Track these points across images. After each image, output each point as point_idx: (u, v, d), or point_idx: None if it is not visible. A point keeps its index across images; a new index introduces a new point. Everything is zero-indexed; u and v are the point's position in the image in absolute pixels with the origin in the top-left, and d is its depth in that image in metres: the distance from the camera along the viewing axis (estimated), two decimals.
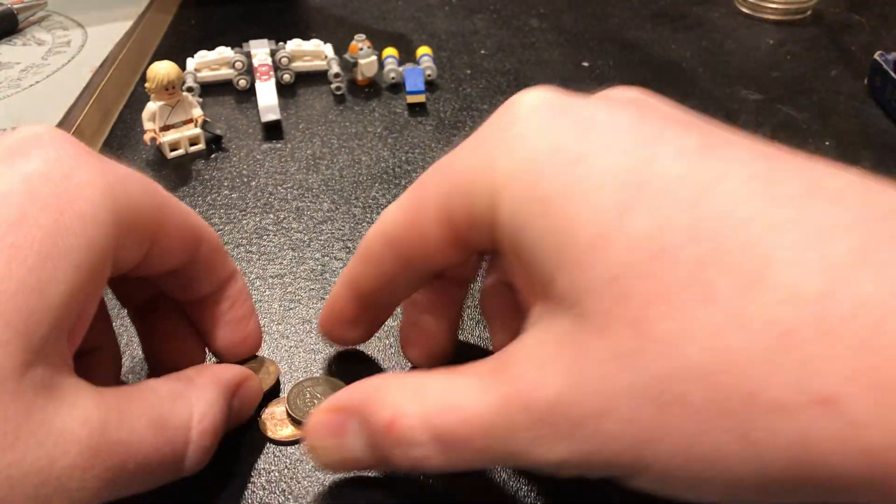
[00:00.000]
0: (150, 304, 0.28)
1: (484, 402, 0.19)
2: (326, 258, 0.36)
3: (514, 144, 0.20)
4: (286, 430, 0.28)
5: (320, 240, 0.37)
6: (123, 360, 0.29)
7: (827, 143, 0.45)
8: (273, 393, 0.29)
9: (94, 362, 0.25)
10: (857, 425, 0.15)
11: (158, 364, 0.27)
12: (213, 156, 0.44)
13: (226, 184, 0.41)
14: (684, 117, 0.21)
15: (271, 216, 0.39)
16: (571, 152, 0.19)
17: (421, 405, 0.20)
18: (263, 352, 0.31)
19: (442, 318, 0.27)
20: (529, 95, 0.21)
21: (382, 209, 0.39)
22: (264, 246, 0.37)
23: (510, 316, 0.25)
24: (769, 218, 0.16)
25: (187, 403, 0.23)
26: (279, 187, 0.41)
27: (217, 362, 0.28)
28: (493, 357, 0.20)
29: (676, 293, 0.16)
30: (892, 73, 0.46)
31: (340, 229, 0.38)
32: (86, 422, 0.19)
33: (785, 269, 0.16)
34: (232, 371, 0.26)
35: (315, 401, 0.28)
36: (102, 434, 0.19)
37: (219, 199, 0.40)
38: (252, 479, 0.26)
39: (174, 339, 0.28)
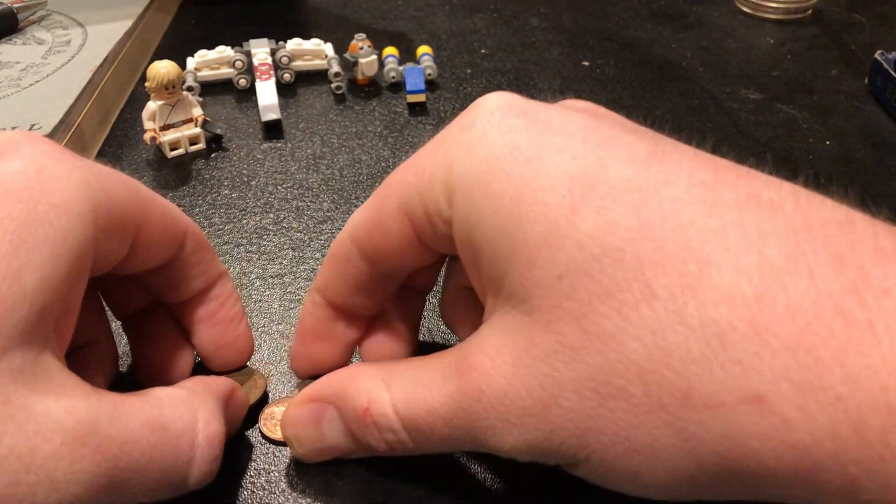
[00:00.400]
0: (141, 314, 0.28)
1: (443, 393, 0.20)
2: None
3: (472, 145, 0.20)
4: None
5: (320, 239, 0.37)
6: (124, 368, 0.29)
7: (827, 142, 0.45)
8: (261, 404, 0.28)
9: (88, 357, 0.25)
10: (786, 422, 0.15)
11: (149, 376, 0.27)
12: (213, 155, 0.44)
13: (226, 183, 0.41)
14: (634, 126, 0.22)
15: (271, 216, 0.39)
16: (525, 153, 0.19)
17: (392, 392, 0.22)
18: (263, 353, 0.31)
19: (401, 328, 0.27)
20: (490, 99, 0.21)
21: None
22: (264, 246, 0.37)
23: (473, 318, 0.25)
24: (709, 223, 0.17)
25: (191, 409, 0.22)
26: (279, 187, 0.41)
27: (207, 374, 0.28)
28: (454, 349, 0.21)
29: (619, 291, 0.17)
30: (893, 73, 0.46)
31: (340, 229, 0.38)
32: (72, 411, 0.18)
33: (722, 272, 0.16)
34: (222, 382, 0.26)
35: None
36: (91, 425, 0.19)
37: (219, 198, 0.40)
38: (252, 479, 0.26)
39: (165, 351, 0.27)
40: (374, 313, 0.27)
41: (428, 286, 0.28)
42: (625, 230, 0.17)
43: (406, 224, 0.22)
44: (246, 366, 0.29)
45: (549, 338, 0.18)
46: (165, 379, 0.27)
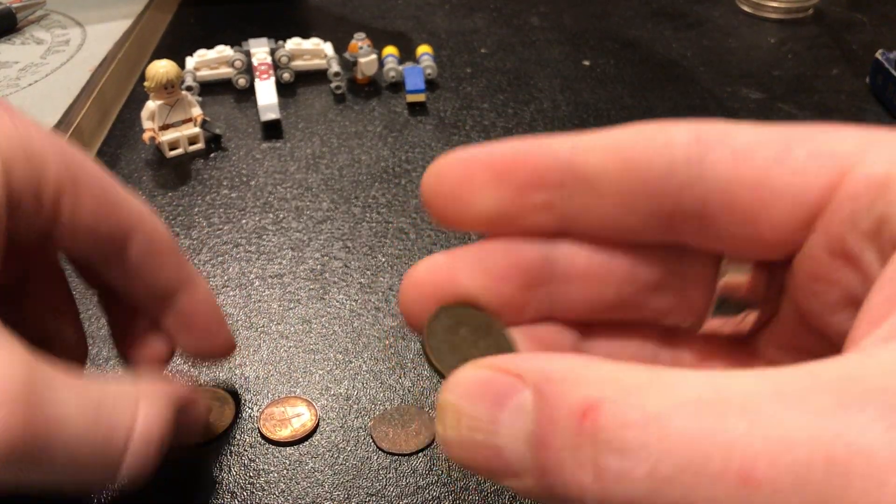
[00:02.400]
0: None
1: (814, 427, 0.11)
2: (326, 258, 0.36)
3: None
4: (285, 431, 0.28)
5: (320, 239, 0.37)
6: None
7: None
8: (226, 432, 0.28)
9: (52, 351, 0.24)
10: None
11: (123, 354, 0.26)
12: (212, 155, 0.43)
13: (225, 183, 0.41)
14: None
15: (271, 216, 0.39)
16: None
17: (659, 403, 0.12)
18: (262, 353, 0.31)
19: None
20: None
21: (382, 208, 0.39)
22: (264, 245, 0.37)
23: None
24: None
25: (132, 403, 0.21)
26: (279, 187, 0.41)
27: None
28: (829, 362, 0.12)
29: None
30: (894, 72, 0.46)
31: (340, 228, 0.38)
32: (6, 365, 0.17)
33: None
34: (180, 389, 0.24)
35: (474, 350, 0.18)
36: (25, 384, 0.17)
37: (218, 198, 0.40)
38: (251, 480, 0.26)
39: (138, 330, 0.26)
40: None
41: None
42: None
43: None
44: (218, 388, 0.29)
45: None
46: (140, 358, 0.26)
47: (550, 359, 0.14)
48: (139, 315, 0.26)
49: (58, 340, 0.25)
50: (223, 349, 0.27)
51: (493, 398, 0.14)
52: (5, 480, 0.17)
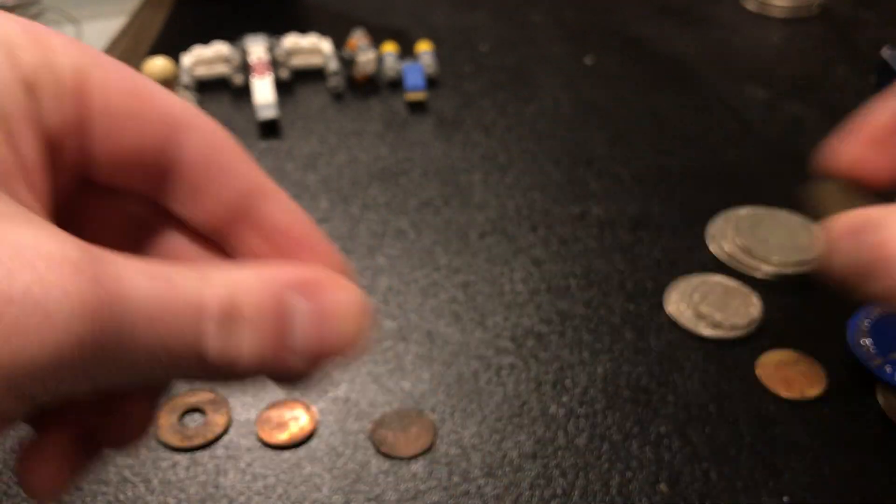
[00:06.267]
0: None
1: None
2: None
3: None
4: (283, 435, 0.27)
5: None
6: None
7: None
8: (222, 436, 0.27)
9: None
10: None
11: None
12: None
13: None
14: None
15: None
16: None
17: None
18: None
19: None
20: None
21: (382, 208, 0.39)
22: None
23: None
24: None
25: (199, 273, 0.17)
26: None
27: None
28: None
29: None
30: None
31: (338, 229, 0.37)
32: (59, 242, 0.14)
33: None
34: (306, 268, 0.18)
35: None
36: (84, 255, 0.14)
37: None
38: (248, 484, 0.25)
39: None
40: None
41: None
42: None
43: None
44: (220, 394, 0.28)
45: None
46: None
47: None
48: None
49: None
50: (335, 266, 0.20)
51: (850, 232, 0.22)
52: (85, 376, 0.14)
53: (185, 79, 0.47)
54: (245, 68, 0.49)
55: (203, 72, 0.49)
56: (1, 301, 0.13)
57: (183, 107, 0.19)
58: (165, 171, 0.19)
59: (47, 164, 0.17)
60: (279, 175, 0.41)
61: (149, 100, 0.19)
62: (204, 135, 0.20)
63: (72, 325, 0.14)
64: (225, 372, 0.17)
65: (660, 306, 0.33)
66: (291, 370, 0.18)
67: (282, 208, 0.20)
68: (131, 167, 0.19)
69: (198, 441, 0.27)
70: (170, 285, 0.16)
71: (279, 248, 0.20)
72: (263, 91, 0.46)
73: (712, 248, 0.36)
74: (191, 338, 0.16)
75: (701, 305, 0.33)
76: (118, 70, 0.18)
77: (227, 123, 0.48)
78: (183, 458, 0.27)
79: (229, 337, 0.16)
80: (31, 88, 0.17)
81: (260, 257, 0.20)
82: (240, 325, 0.17)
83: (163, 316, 0.15)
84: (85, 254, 0.15)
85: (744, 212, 0.38)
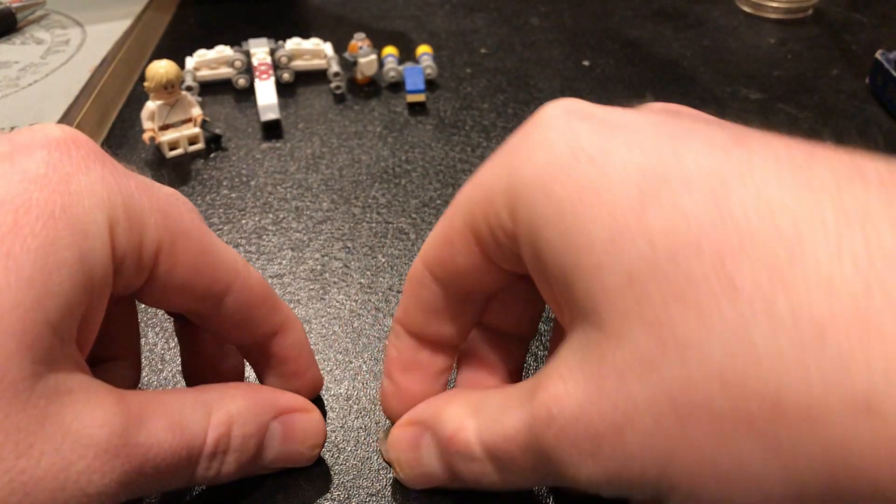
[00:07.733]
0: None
1: (517, 419, 0.19)
2: (326, 258, 0.36)
3: (533, 151, 0.19)
4: None
5: (320, 239, 0.37)
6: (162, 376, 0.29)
7: (828, 142, 0.44)
8: None
9: (111, 370, 0.25)
10: None
11: (194, 379, 0.27)
12: (212, 155, 0.43)
13: (225, 183, 0.41)
14: (716, 119, 0.20)
15: (271, 216, 0.39)
16: (589, 152, 0.18)
17: (478, 419, 0.20)
18: None
19: (495, 375, 0.25)
20: (554, 105, 0.20)
21: (382, 209, 0.39)
22: (264, 246, 0.37)
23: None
24: (803, 204, 0.15)
25: (206, 407, 0.22)
26: (278, 187, 0.41)
27: None
28: (537, 373, 0.19)
29: (696, 290, 0.15)
30: (893, 72, 0.46)
31: (340, 229, 0.38)
32: (105, 424, 0.19)
33: (819, 259, 0.14)
34: (285, 397, 0.24)
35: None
36: (122, 436, 0.19)
37: (218, 198, 0.40)
38: (248, 480, 0.26)
39: (216, 361, 0.26)
40: (459, 342, 0.25)
41: (526, 331, 0.25)
42: (702, 222, 0.15)
43: (472, 242, 0.21)
44: None
45: (621, 350, 0.16)
46: (212, 379, 0.26)
47: (432, 404, 0.23)
48: (216, 344, 0.26)
49: (118, 363, 0.25)
50: (309, 390, 0.27)
51: (410, 445, 0.23)
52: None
53: (189, 81, 0.48)
54: (248, 71, 0.49)
55: (207, 74, 0.49)
56: (58, 488, 0.18)
57: (234, 263, 0.24)
58: (204, 314, 0.24)
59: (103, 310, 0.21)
60: (281, 176, 0.42)
61: (211, 264, 0.23)
62: (248, 293, 0.24)
63: (101, 500, 0.19)
64: (207, 484, 0.23)
65: None
66: (258, 474, 0.25)
67: (291, 342, 0.26)
68: (179, 310, 0.24)
69: None
70: (181, 432, 0.21)
71: (281, 371, 0.26)
72: (266, 93, 0.46)
73: None
74: (186, 471, 0.21)
75: None
76: (191, 236, 0.22)
77: (231, 125, 0.49)
78: None
79: (215, 465, 0.22)
80: (118, 268, 0.20)
81: (264, 368, 0.26)
82: (227, 456, 0.22)
83: (171, 461, 0.20)
84: (123, 429, 0.19)
85: None
